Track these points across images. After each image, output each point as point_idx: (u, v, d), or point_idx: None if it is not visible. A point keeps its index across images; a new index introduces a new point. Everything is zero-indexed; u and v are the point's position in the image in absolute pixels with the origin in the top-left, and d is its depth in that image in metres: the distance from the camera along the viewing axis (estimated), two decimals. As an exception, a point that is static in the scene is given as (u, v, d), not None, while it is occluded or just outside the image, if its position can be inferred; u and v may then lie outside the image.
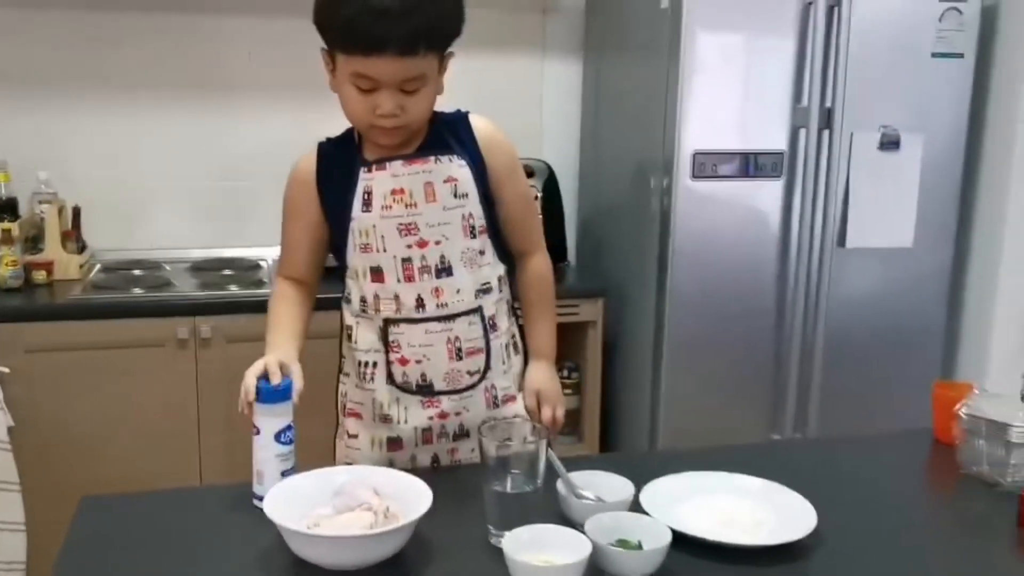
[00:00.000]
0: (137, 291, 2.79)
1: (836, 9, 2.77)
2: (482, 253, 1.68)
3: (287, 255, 1.77)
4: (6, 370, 2.56)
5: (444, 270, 1.64)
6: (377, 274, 1.64)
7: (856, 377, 2.96)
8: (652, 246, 2.93)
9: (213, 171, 3.28)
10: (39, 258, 2.84)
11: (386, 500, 1.35)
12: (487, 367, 1.70)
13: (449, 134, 1.66)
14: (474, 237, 1.66)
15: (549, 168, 3.30)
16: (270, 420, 1.45)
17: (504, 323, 1.74)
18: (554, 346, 1.83)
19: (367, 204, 1.62)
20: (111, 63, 3.14)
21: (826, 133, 2.84)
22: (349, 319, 1.72)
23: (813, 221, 2.88)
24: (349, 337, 1.72)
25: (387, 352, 1.67)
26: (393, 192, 1.61)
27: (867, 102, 2.86)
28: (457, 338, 1.66)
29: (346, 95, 1.56)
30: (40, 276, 2.81)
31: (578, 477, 1.42)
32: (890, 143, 2.89)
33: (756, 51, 2.80)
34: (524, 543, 1.22)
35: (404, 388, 1.68)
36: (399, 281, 1.64)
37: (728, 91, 2.81)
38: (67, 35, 3.09)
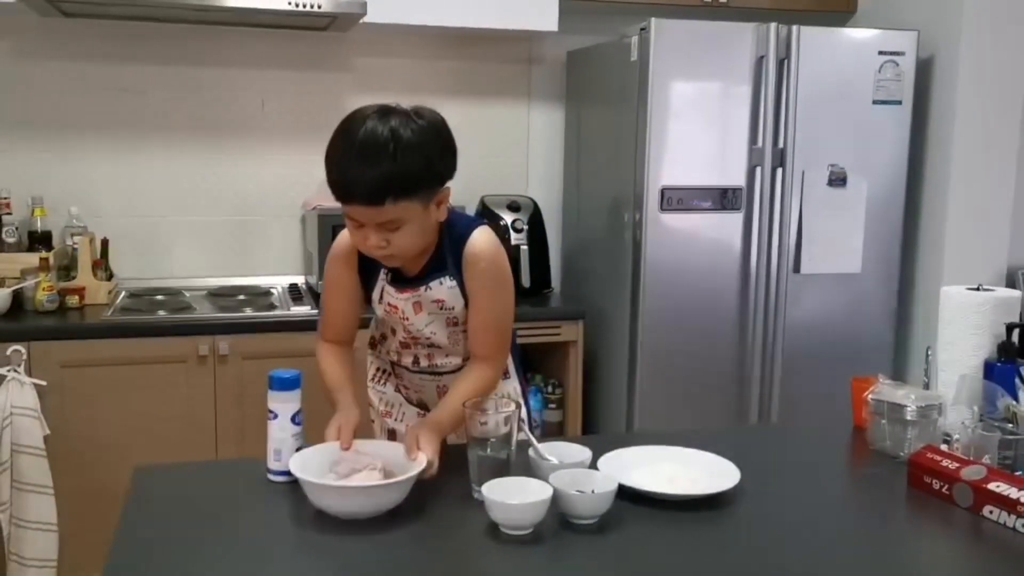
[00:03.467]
0: (161, 313, 3.07)
1: (786, 61, 3.09)
2: (465, 332, 1.89)
3: (330, 321, 1.93)
4: (43, 383, 2.80)
5: (435, 345, 1.92)
6: (393, 332, 1.95)
7: (812, 389, 3.23)
8: (626, 273, 3.21)
9: (227, 207, 3.56)
10: (72, 284, 3.11)
11: (385, 463, 1.64)
12: None
13: (450, 253, 1.81)
14: (458, 325, 1.88)
15: (535, 204, 3.59)
16: (286, 405, 1.71)
17: None
18: (453, 423, 1.77)
19: (380, 298, 1.88)
20: (137, 110, 3.44)
21: (780, 171, 3.14)
22: (374, 331, 2.05)
23: (770, 249, 3.17)
24: (373, 345, 2.06)
25: (395, 377, 2.04)
26: (390, 304, 1.87)
27: (816, 143, 3.16)
28: (445, 386, 1.95)
29: (347, 227, 1.75)
30: (73, 300, 3.07)
31: (545, 447, 1.71)
32: (838, 180, 3.19)
33: (716, 98, 3.10)
34: (499, 490, 1.51)
35: (408, 401, 2.05)
36: (398, 348, 1.96)
37: (692, 133, 3.09)
38: (98, 85, 3.39)
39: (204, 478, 1.77)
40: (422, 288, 1.83)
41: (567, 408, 3.44)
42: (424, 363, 1.95)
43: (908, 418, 1.81)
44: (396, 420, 2.06)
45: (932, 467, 1.68)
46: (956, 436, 1.79)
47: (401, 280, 1.84)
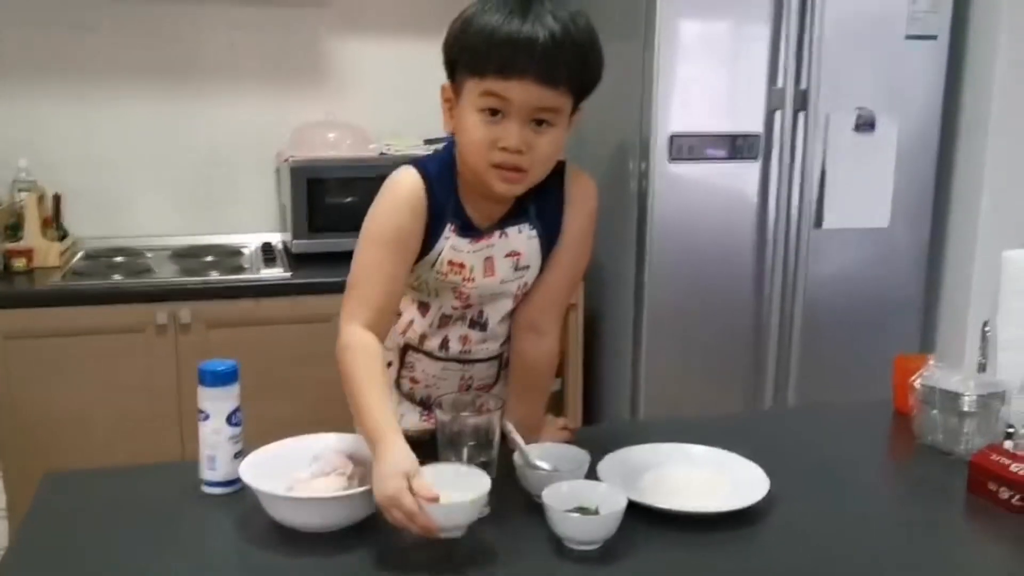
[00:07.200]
0: (116, 277, 2.79)
1: (809, -9, 2.78)
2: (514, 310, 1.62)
3: (374, 290, 1.45)
4: (-15, 357, 2.56)
5: (479, 324, 1.59)
6: (422, 307, 1.58)
7: (834, 354, 2.97)
8: (631, 228, 2.93)
9: (194, 158, 3.27)
10: (18, 246, 2.83)
11: (360, 466, 1.37)
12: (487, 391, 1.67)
13: (533, 198, 1.52)
14: (517, 300, 1.60)
15: (529, 153, 3.30)
16: (220, 403, 1.44)
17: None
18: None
19: (436, 258, 1.52)
20: (91, 50, 3.12)
21: (802, 115, 2.84)
22: None
23: (790, 202, 2.88)
24: None
25: (401, 367, 1.64)
26: (451, 263, 1.51)
27: (842, 83, 2.86)
28: (471, 377, 1.64)
29: (469, 126, 1.40)
30: (20, 264, 2.80)
31: (535, 449, 1.43)
32: (865, 124, 2.89)
33: (731, 34, 2.80)
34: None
35: (408, 398, 1.67)
36: (432, 326, 1.58)
37: (704, 74, 2.80)
38: (47, 22, 3.07)
39: (123, 487, 1.49)
40: (497, 234, 1.52)
41: (567, 376, 3.17)
42: (456, 347, 1.60)
43: (965, 409, 1.54)
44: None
45: (998, 472, 1.40)
46: (1022, 430, 1.51)
47: (472, 230, 1.51)
